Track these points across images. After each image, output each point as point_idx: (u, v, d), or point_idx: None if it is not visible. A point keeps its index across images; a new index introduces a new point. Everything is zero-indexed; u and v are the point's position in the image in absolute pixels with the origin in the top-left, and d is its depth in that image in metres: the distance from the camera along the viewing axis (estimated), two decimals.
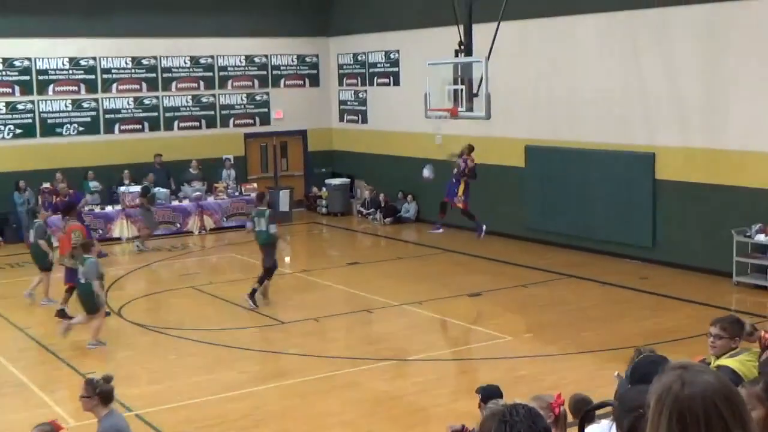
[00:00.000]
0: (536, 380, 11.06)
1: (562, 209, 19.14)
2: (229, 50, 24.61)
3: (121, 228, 21.70)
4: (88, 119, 22.94)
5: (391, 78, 24.09)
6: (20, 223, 21.56)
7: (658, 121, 17.25)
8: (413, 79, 21.20)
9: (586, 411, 5.32)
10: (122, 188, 22.23)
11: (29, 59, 22.19)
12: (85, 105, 22.89)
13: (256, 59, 25.10)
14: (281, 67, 25.53)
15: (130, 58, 23.34)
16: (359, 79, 25.25)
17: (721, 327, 6.01)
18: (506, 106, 18.76)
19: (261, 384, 11.46)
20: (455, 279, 17.35)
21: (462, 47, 16.34)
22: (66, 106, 22.66)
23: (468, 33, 16.36)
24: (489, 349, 12.70)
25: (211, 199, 23.17)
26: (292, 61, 25.69)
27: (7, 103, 22.01)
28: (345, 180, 25.36)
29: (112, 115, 23.23)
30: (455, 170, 17.24)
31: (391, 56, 24.00)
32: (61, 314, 14.35)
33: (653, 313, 14.47)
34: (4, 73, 21.99)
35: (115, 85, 23.23)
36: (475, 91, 15.76)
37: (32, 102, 22.30)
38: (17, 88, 22.13)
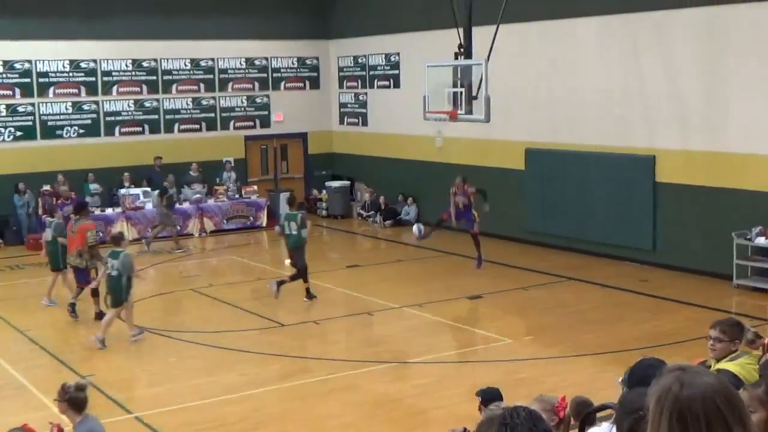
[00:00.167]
0: (536, 383, 11.05)
1: (563, 212, 19.13)
2: (230, 53, 24.62)
3: (122, 230, 21.63)
4: (89, 121, 22.95)
5: (392, 80, 24.10)
6: (20, 225, 21.58)
7: (659, 124, 17.26)
8: (413, 82, 21.19)
9: (586, 414, 5.31)
10: (122, 190, 22.24)
11: (30, 62, 22.20)
12: (85, 107, 22.90)
13: (257, 62, 25.11)
14: (281, 70, 25.54)
15: (130, 61, 23.36)
16: (359, 81, 25.26)
17: (720, 330, 6.01)
18: (506, 108, 18.77)
19: (261, 386, 11.45)
20: (455, 281, 17.35)
21: (462, 50, 16.36)
22: (66, 109, 22.67)
23: (468, 35, 16.38)
24: (489, 352, 12.70)
25: (211, 201, 23.17)
26: (293, 63, 25.71)
27: (8, 106, 22.02)
28: (345, 182, 25.36)
29: (113, 118, 23.24)
30: (460, 205, 17.63)
31: (391, 59, 24.01)
32: (100, 316, 14.55)
33: (653, 315, 14.46)
34: (4, 75, 22.00)
35: (115, 88, 23.24)
36: (474, 93, 15.78)
37: (32, 104, 22.31)
38: (17, 91, 22.13)
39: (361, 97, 25.33)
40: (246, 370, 12.19)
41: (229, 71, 24.76)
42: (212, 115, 24.61)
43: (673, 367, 2.46)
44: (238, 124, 24.98)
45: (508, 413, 2.63)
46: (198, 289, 16.96)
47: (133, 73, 23.47)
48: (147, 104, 23.67)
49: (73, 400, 6.76)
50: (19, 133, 22.18)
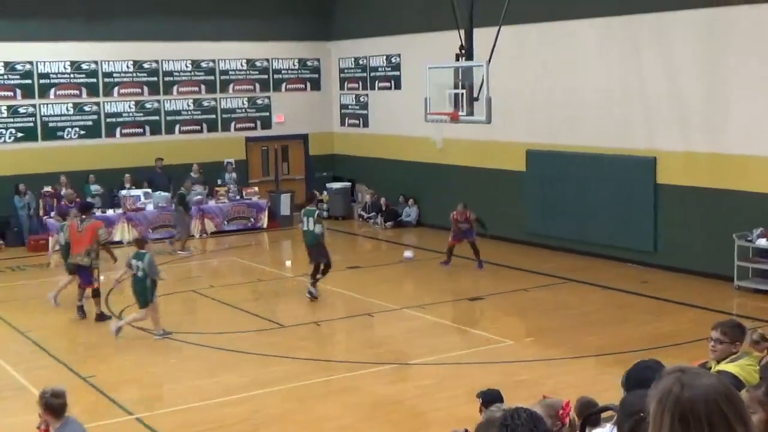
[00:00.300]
0: (537, 384, 11.04)
1: (563, 213, 19.13)
2: (231, 54, 24.63)
3: (122, 231, 21.68)
4: (90, 123, 22.95)
5: (392, 82, 24.10)
6: (21, 226, 21.58)
7: (659, 125, 17.25)
8: (414, 83, 21.20)
9: (587, 415, 5.30)
10: (123, 192, 22.24)
11: (31, 63, 22.21)
12: (86, 108, 22.90)
13: (258, 63, 25.12)
14: (282, 71, 25.55)
15: (131, 62, 23.36)
16: (360, 83, 25.26)
17: (721, 331, 6.00)
18: (507, 110, 18.76)
19: (261, 388, 11.44)
20: (456, 283, 17.35)
21: (463, 51, 16.35)
22: (67, 110, 22.68)
23: (469, 37, 16.38)
24: (490, 353, 12.69)
25: (212, 202, 23.17)
26: (294, 65, 25.71)
27: (9, 107, 22.03)
28: (346, 184, 25.36)
29: (114, 119, 23.25)
30: (463, 228, 18.03)
31: (392, 60, 24.01)
32: (101, 317, 14.77)
33: (654, 317, 14.46)
34: (5, 76, 22.01)
35: (116, 89, 23.25)
36: (475, 95, 15.77)
37: (34, 105, 22.32)
38: (19, 92, 22.15)
39: (362, 99, 25.33)
40: (246, 371, 12.18)
41: (230, 73, 24.77)
42: (213, 116, 24.62)
43: (673, 369, 2.46)
44: (239, 126, 24.98)
45: (509, 415, 2.63)
46: (199, 290, 16.96)
47: (134, 74, 23.48)
48: (148, 105, 23.67)
49: (49, 407, 6.76)
50: (20, 134, 22.19)
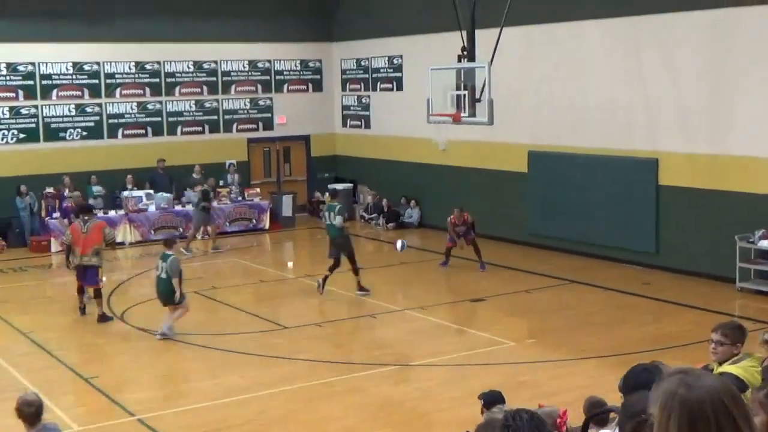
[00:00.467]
0: (539, 386, 11.06)
1: (565, 214, 19.13)
2: (233, 55, 24.65)
3: (125, 232, 21.69)
4: (92, 124, 22.97)
5: (394, 83, 24.12)
6: (23, 227, 21.60)
7: (662, 127, 17.25)
8: (416, 85, 21.22)
9: (591, 415, 5.32)
10: (125, 193, 22.26)
11: (33, 64, 22.23)
12: (88, 110, 22.93)
13: (260, 64, 25.13)
14: (284, 72, 25.56)
15: (133, 63, 23.38)
16: (362, 84, 25.27)
17: (722, 333, 5.99)
18: (509, 111, 18.75)
19: (264, 389, 11.44)
20: (458, 284, 17.36)
21: (465, 53, 16.37)
22: (69, 111, 22.70)
23: (471, 38, 16.39)
24: (491, 355, 12.69)
25: (214, 203, 23.14)
26: (296, 66, 25.73)
27: (11, 108, 22.05)
28: (348, 185, 25.35)
29: (116, 120, 23.27)
30: (462, 230, 18.07)
31: (394, 61, 24.02)
32: (103, 318, 14.74)
33: (656, 318, 14.46)
34: (7, 77, 22.04)
35: (118, 90, 23.27)
36: (477, 96, 15.79)
37: (36, 107, 22.34)
38: (21, 93, 22.17)
39: (363, 100, 25.34)
40: (249, 372, 12.19)
41: (232, 74, 24.79)
42: (215, 117, 24.64)
43: (675, 371, 2.46)
44: (241, 127, 25.00)
45: (510, 416, 2.63)
46: (201, 291, 16.96)
47: (136, 75, 23.50)
48: (150, 106, 23.69)
49: (21, 414, 6.75)
50: (22, 135, 22.21)
